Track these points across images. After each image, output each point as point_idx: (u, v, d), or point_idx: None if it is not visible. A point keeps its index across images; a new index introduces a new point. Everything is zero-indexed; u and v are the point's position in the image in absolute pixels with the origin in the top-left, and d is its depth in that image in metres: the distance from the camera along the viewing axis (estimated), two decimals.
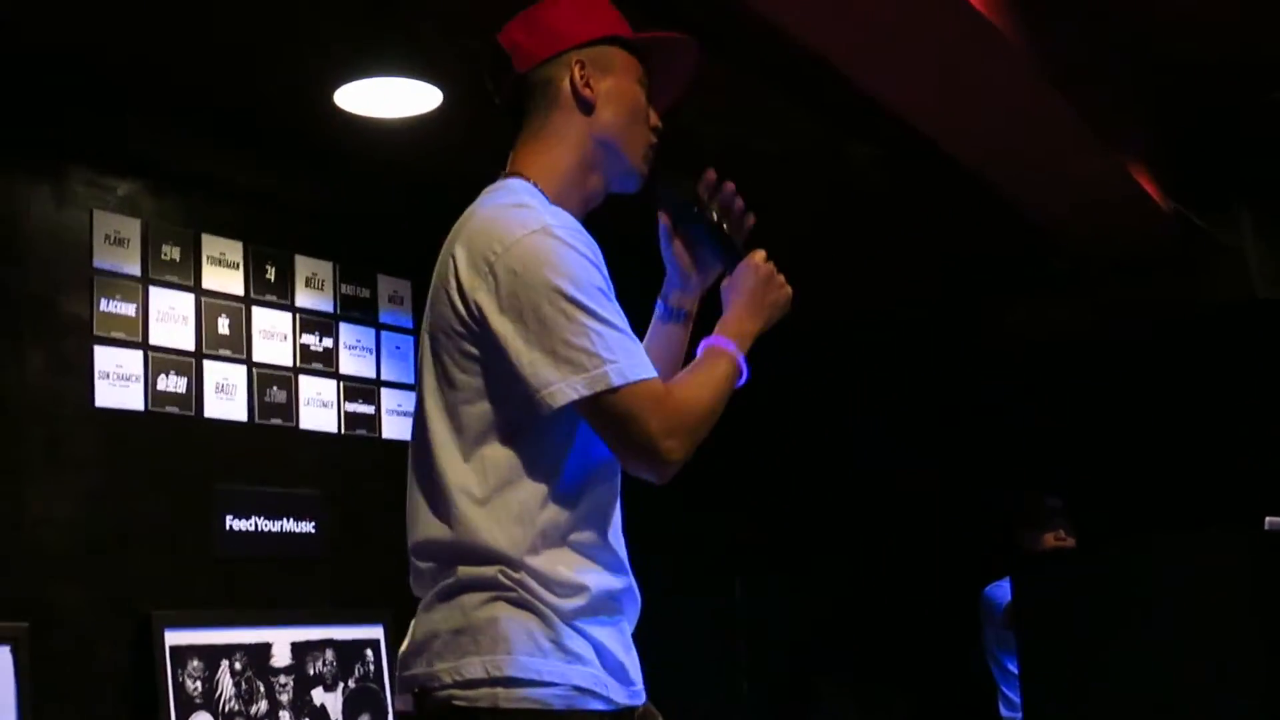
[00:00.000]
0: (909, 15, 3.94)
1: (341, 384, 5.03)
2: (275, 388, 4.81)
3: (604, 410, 1.94)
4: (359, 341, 5.11)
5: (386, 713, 4.86)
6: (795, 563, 6.73)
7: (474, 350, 1.99)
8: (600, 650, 1.99)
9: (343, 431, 5.00)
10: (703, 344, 2.15)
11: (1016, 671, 5.55)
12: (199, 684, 4.35)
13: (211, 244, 4.69)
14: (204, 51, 4.20)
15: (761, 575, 6.51)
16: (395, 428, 5.17)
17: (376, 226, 5.23)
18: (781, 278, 2.23)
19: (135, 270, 4.45)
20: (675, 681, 6.01)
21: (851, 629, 6.81)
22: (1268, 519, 5.70)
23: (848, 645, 6.77)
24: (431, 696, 1.94)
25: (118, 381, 4.35)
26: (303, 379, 4.90)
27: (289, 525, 4.76)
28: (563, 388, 1.92)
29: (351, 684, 4.80)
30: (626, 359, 1.94)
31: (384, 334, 5.20)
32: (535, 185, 2.13)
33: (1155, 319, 6.52)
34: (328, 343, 5.01)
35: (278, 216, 4.90)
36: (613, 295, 2.01)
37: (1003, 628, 5.31)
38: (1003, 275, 6.57)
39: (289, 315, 4.90)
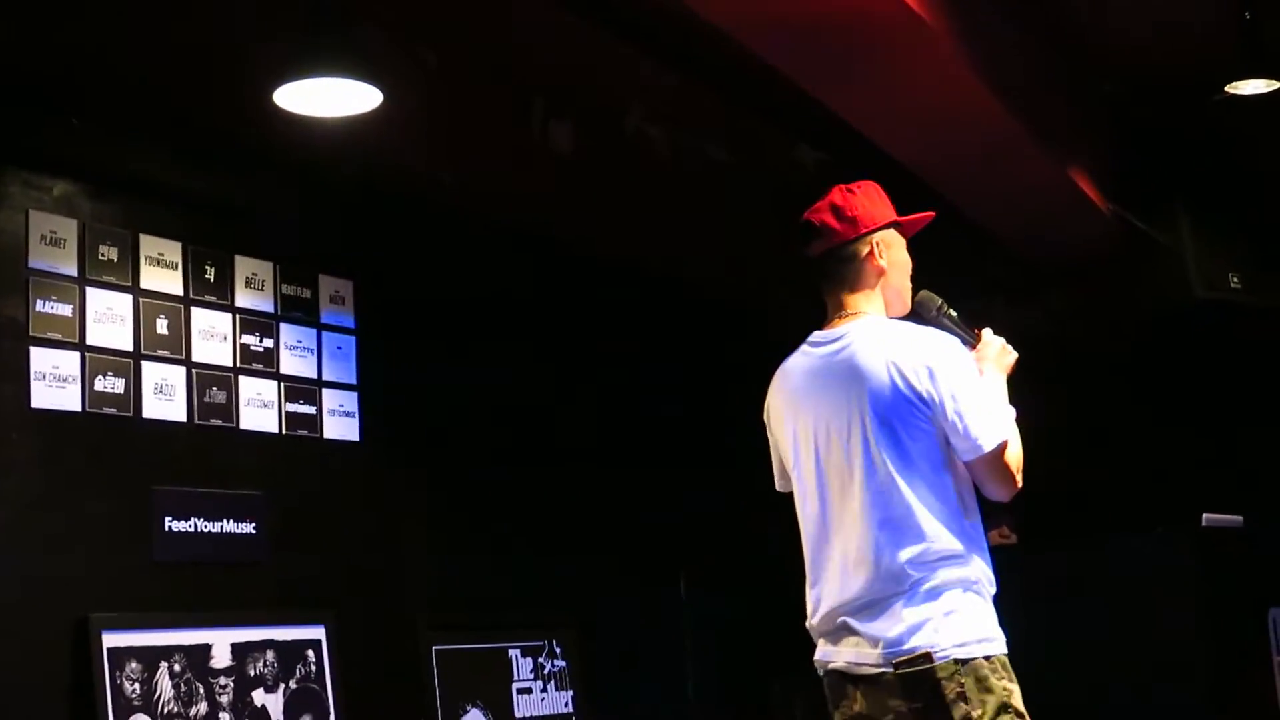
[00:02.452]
0: (854, 23, 3.97)
1: (282, 384, 5.00)
2: (215, 388, 4.78)
3: (993, 456, 3.04)
4: (300, 342, 5.09)
5: (328, 713, 4.85)
6: (742, 561, 6.74)
7: (921, 423, 3.04)
8: None
9: (283, 432, 4.98)
10: None
11: None
12: (137, 686, 4.33)
13: (150, 244, 4.66)
14: (142, 51, 4.18)
15: (708, 574, 6.52)
16: (336, 428, 5.16)
17: (317, 227, 5.22)
18: (1009, 346, 3.31)
19: (72, 271, 4.42)
20: (622, 681, 6.03)
21: (799, 625, 6.82)
22: (1205, 516, 5.77)
23: (796, 641, 6.78)
24: (936, 656, 2.95)
25: (54, 383, 4.32)
26: (243, 379, 4.88)
27: (229, 526, 4.74)
28: (985, 440, 3.02)
29: (293, 685, 4.79)
30: (1003, 423, 3.08)
31: (325, 334, 5.18)
32: (884, 318, 3.24)
33: (1096, 321, 6.57)
34: (268, 343, 4.98)
35: (217, 217, 4.87)
36: None
37: None
38: (947, 281, 6.59)
39: (229, 316, 4.87)
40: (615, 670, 5.98)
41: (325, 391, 5.16)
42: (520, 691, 5.60)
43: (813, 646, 3.32)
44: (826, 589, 3.17)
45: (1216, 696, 5.80)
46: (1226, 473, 6.48)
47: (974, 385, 3.09)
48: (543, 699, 5.67)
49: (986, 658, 3.00)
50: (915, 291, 3.37)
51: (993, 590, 3.10)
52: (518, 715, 5.56)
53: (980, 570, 3.08)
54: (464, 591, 5.52)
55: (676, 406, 6.66)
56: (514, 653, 5.63)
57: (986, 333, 3.35)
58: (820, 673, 3.26)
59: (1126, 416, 6.76)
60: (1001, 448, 3.05)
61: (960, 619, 3.00)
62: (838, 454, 3.13)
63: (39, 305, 4.31)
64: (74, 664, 4.23)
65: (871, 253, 3.25)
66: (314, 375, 5.13)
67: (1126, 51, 5.13)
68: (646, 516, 6.30)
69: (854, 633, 3.10)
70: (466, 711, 5.38)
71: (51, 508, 4.28)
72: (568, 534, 5.94)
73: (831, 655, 3.19)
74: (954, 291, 3.42)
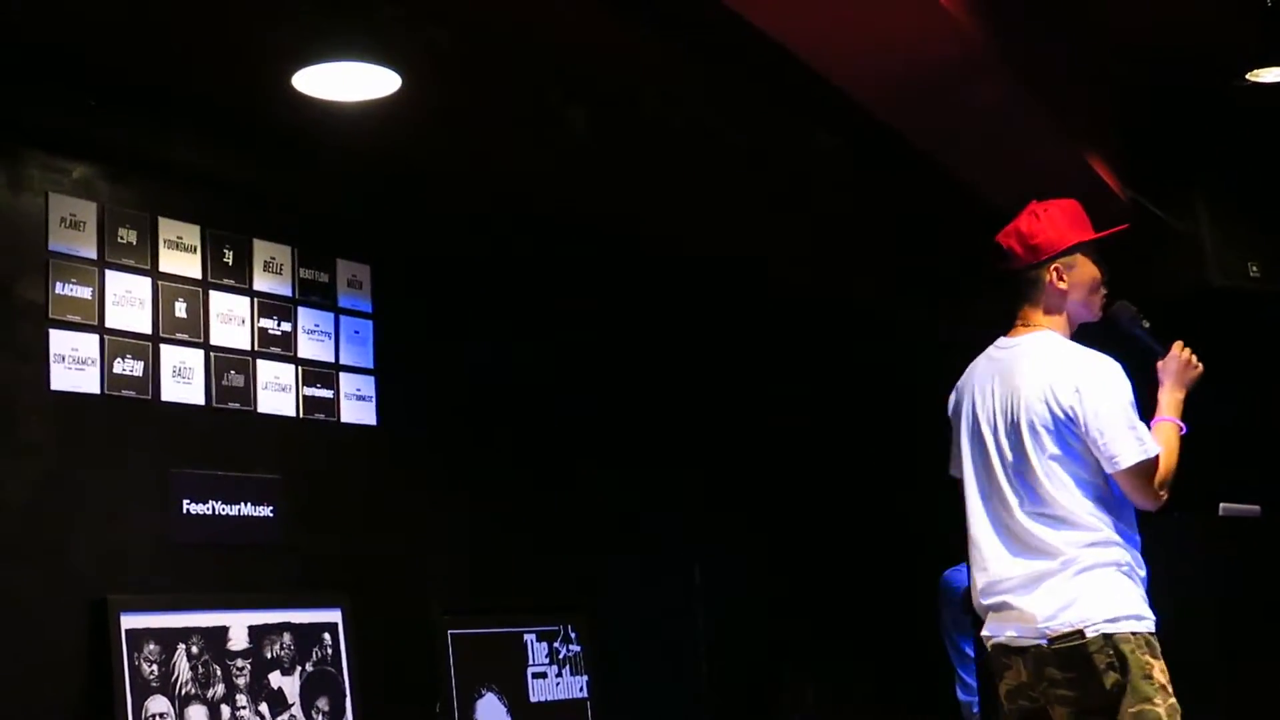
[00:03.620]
0: (871, 5, 3.95)
1: (300, 368, 5.01)
2: (233, 371, 4.79)
3: (1135, 472, 3.44)
4: (317, 326, 5.10)
5: (344, 695, 4.87)
6: (755, 548, 6.75)
7: (1069, 436, 3.46)
8: None
9: (301, 415, 4.99)
10: (1156, 420, 3.65)
11: (973, 655, 5.59)
12: (155, 668, 4.34)
13: (168, 227, 4.66)
14: (161, 34, 4.17)
15: (721, 560, 6.53)
16: (353, 412, 5.16)
17: (335, 210, 5.22)
18: (1196, 359, 3.73)
19: (91, 253, 4.43)
20: (636, 666, 6.04)
21: (811, 612, 6.84)
22: (1222, 505, 5.76)
23: (808, 629, 6.80)
24: (1087, 630, 3.35)
25: (73, 365, 4.33)
26: (261, 363, 4.89)
27: (246, 509, 4.75)
28: (1124, 458, 3.42)
29: (309, 667, 4.80)
30: (1148, 442, 3.45)
31: (343, 318, 5.19)
32: (1058, 334, 3.64)
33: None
34: (286, 327, 4.99)
35: (235, 200, 4.87)
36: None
37: (961, 611, 5.35)
38: (963, 266, 6.59)
39: (247, 299, 4.88)
40: (629, 655, 5.99)
41: (342, 375, 5.17)
42: (535, 676, 5.61)
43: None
44: (990, 569, 3.55)
45: (1231, 687, 5.80)
46: (1245, 461, 6.45)
47: (1118, 406, 3.46)
48: (557, 683, 5.68)
49: (1134, 633, 3.36)
50: (1111, 299, 3.70)
51: (1142, 573, 3.47)
52: (532, 699, 5.57)
53: (1129, 554, 3.46)
54: (479, 576, 5.53)
55: (695, 392, 6.66)
56: (529, 637, 5.64)
57: (1176, 345, 3.71)
58: (987, 648, 3.63)
59: (1145, 404, 6.74)
60: (1139, 466, 3.43)
61: (1109, 597, 3.38)
62: (1005, 447, 3.53)
63: (59, 288, 4.32)
64: (92, 646, 4.24)
65: (1052, 279, 3.62)
66: (331, 359, 5.14)
67: (1147, 38, 5.11)
68: (660, 502, 6.31)
69: (1013, 609, 3.48)
70: (481, 695, 5.39)
71: (70, 490, 4.29)
72: (583, 519, 5.95)
73: (996, 630, 3.56)
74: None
